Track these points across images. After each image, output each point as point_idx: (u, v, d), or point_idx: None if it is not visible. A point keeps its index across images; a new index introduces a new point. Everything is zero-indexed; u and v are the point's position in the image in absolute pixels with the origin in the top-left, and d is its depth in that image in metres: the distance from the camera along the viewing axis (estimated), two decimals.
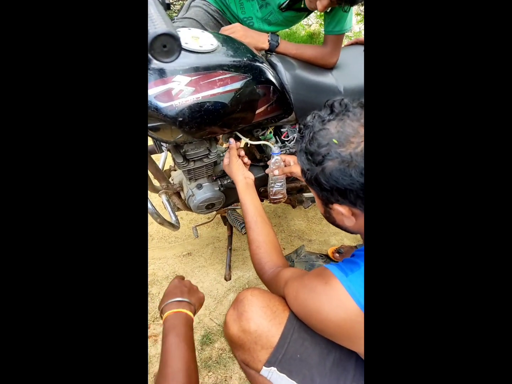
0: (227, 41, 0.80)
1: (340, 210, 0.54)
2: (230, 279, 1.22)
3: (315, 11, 0.95)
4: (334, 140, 0.50)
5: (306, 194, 1.29)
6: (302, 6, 1.00)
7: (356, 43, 1.15)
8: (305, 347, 0.59)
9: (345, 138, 0.49)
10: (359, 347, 0.54)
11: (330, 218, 0.62)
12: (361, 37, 1.15)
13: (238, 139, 0.98)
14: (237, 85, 0.75)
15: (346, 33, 0.99)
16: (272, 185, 0.95)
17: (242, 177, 0.86)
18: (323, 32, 1.00)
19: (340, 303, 0.51)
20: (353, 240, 1.47)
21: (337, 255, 1.37)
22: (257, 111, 0.84)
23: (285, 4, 0.97)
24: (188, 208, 1.05)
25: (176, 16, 1.14)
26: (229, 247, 1.24)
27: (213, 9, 1.12)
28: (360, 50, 1.11)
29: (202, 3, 1.11)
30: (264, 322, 0.59)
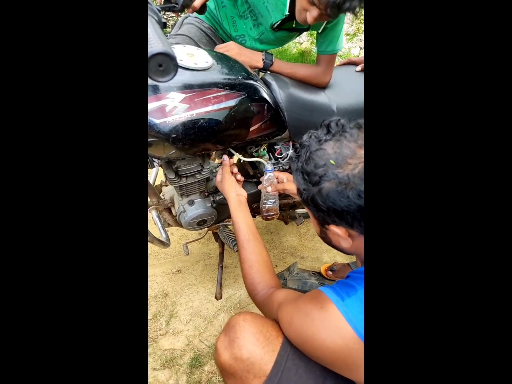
0: (222, 59, 0.80)
1: (337, 231, 0.53)
2: (221, 297, 1.19)
3: (306, 32, 0.97)
4: (331, 161, 0.49)
5: (298, 210, 1.29)
6: (294, 26, 1.02)
7: (348, 63, 1.17)
8: (299, 375, 0.57)
9: (342, 159, 0.49)
10: (357, 376, 0.52)
11: (326, 238, 0.61)
12: (350, 56, 1.17)
13: (231, 155, 0.97)
14: (232, 102, 0.75)
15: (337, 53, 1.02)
16: (265, 201, 0.94)
17: (235, 194, 0.85)
18: (315, 51, 1.03)
19: (337, 329, 0.49)
20: (346, 258, 1.46)
21: (330, 272, 1.36)
22: (251, 129, 0.84)
23: (277, 24, 0.98)
24: (179, 224, 1.03)
25: (169, 33, 1.15)
26: (221, 265, 1.22)
27: (206, 26, 1.13)
28: (351, 70, 1.13)
29: (195, 20, 1.12)
30: (257, 349, 0.57)
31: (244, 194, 0.87)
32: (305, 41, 3.75)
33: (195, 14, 1.10)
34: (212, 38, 1.16)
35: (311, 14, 0.82)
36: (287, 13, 0.91)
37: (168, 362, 0.98)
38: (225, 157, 0.91)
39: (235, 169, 0.91)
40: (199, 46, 1.07)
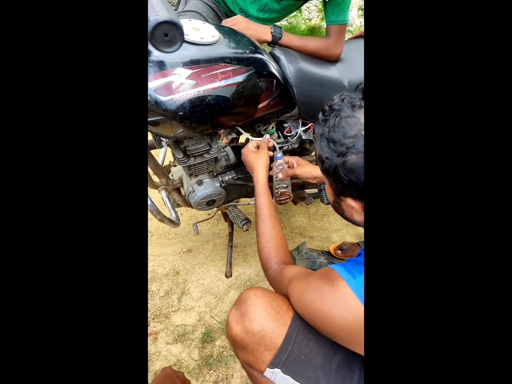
0: (229, 33, 0.78)
1: (353, 205, 0.52)
2: (231, 276, 1.21)
3: (315, 2, 0.91)
4: (363, 133, 0.46)
5: (308, 190, 1.28)
6: None
7: (359, 37, 1.13)
8: (310, 348, 0.58)
9: None
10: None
11: (338, 208, 0.60)
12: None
13: (239, 133, 0.96)
14: (240, 78, 0.73)
15: (348, 28, 0.97)
16: (277, 187, 0.94)
17: (265, 170, 0.84)
18: (325, 24, 0.98)
19: (348, 306, 0.49)
20: (355, 237, 1.45)
21: (339, 252, 1.36)
22: (260, 106, 0.82)
23: None
24: (188, 204, 1.03)
25: (175, 9, 1.11)
26: (230, 244, 1.23)
27: (211, 1, 1.10)
28: (363, 43, 1.08)
29: None
30: (268, 323, 0.58)
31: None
32: (314, 17, 3.60)
33: None
34: (217, 13, 1.12)
35: None
36: None
37: (180, 337, 1.02)
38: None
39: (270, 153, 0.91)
40: (208, 22, 1.04)
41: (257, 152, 0.87)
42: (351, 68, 0.97)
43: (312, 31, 3.52)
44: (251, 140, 0.91)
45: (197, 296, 1.13)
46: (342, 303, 0.50)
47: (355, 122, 0.47)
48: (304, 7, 3.40)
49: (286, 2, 0.99)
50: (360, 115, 0.47)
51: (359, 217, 0.55)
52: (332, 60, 0.98)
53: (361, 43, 1.08)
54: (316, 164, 1.07)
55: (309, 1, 1.01)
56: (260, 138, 0.94)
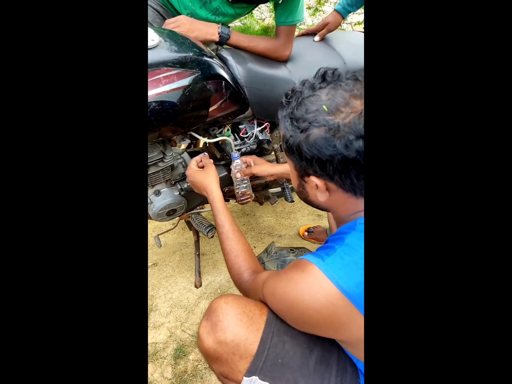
0: (170, 35, 0.75)
1: (316, 182, 0.53)
2: (200, 285, 1.17)
3: (268, 6, 0.90)
4: (324, 107, 0.48)
5: (271, 190, 1.28)
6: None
7: (305, 34, 1.13)
8: (286, 350, 0.57)
9: (335, 106, 0.48)
10: (343, 334, 0.52)
11: (303, 192, 0.61)
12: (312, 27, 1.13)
13: (193, 139, 0.93)
14: (185, 81, 0.70)
15: (299, 26, 0.97)
16: (238, 187, 0.94)
17: (218, 186, 0.82)
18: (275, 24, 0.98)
19: (320, 288, 0.49)
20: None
21: (306, 233, 1.40)
22: (211, 109, 0.80)
23: None
24: (148, 217, 0.99)
25: None
26: (197, 253, 1.19)
27: (157, 3, 1.05)
28: (310, 40, 1.10)
29: None
30: (241, 330, 0.56)
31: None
32: (267, 17, 3.63)
33: None
34: (165, 17, 1.07)
35: None
36: None
37: (151, 356, 0.96)
38: (205, 154, 0.89)
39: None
40: (152, 26, 0.99)
41: (203, 170, 0.85)
42: (300, 65, 0.98)
43: (266, 31, 3.55)
44: (190, 161, 0.88)
45: (166, 311, 1.08)
46: (314, 286, 0.49)
47: (316, 99, 0.49)
48: (255, 9, 3.42)
49: (237, 5, 0.97)
50: (321, 93, 0.50)
51: (323, 196, 0.56)
52: (281, 60, 0.98)
53: (307, 41, 1.09)
54: (274, 162, 1.08)
55: (261, 4, 0.99)
56: (217, 139, 0.92)
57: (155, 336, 1.02)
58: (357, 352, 0.58)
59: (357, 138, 0.46)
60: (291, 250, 1.32)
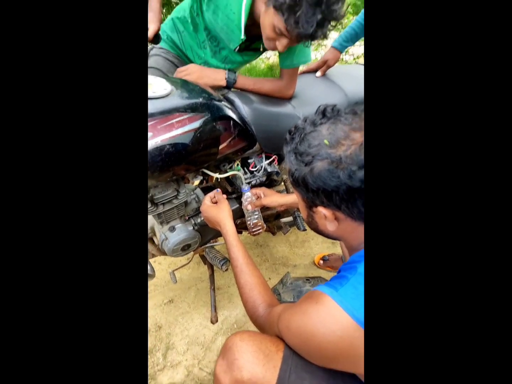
0: (181, 84, 0.81)
1: (324, 212, 0.54)
2: (217, 321, 1.16)
3: None
4: (325, 141, 0.50)
5: (283, 220, 1.28)
6: (261, 49, 1.02)
7: (306, 72, 1.20)
8: None
9: (336, 140, 0.50)
10: (362, 368, 0.50)
11: (312, 223, 0.62)
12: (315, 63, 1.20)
13: (205, 175, 0.97)
14: (196, 124, 0.75)
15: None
16: (249, 219, 0.96)
17: (231, 220, 0.85)
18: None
19: (334, 319, 0.48)
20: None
21: (321, 262, 1.37)
22: (221, 147, 0.84)
23: (238, 48, 0.98)
24: (163, 253, 1.01)
25: None
26: (212, 287, 1.19)
27: (172, 56, 1.14)
28: (312, 77, 1.16)
29: (161, 51, 1.13)
30: (258, 368, 0.55)
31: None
32: (272, 55, 3.84)
33: (159, 45, 1.11)
34: (179, 66, 1.16)
35: (281, 43, 0.82)
36: (243, 37, 0.91)
37: None
38: (218, 190, 0.93)
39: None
40: (166, 76, 1.07)
41: (216, 205, 0.88)
42: (304, 101, 1.03)
43: (271, 69, 3.74)
44: (204, 197, 0.92)
45: (183, 349, 1.07)
46: (329, 317, 0.49)
47: (317, 134, 0.52)
48: None
49: (245, 53, 1.04)
50: (321, 129, 0.52)
51: (332, 226, 0.57)
52: (285, 99, 1.03)
53: (309, 77, 1.16)
54: (284, 193, 1.10)
55: (266, 51, 1.07)
56: (227, 174, 0.95)
57: (173, 375, 1.00)
58: None
59: (359, 168, 0.48)
60: (307, 280, 1.29)
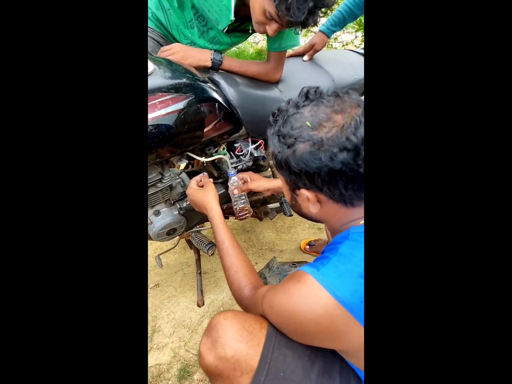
0: (164, 63, 0.79)
1: (307, 195, 0.55)
2: (203, 304, 1.17)
3: None
4: (307, 123, 0.51)
5: (270, 205, 1.29)
6: (250, 30, 1.00)
7: (293, 56, 1.19)
8: (287, 363, 0.57)
9: (318, 122, 0.50)
10: (343, 344, 0.53)
11: (296, 205, 0.63)
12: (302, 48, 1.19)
13: (191, 159, 0.96)
14: (180, 105, 0.74)
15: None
16: (236, 203, 0.96)
17: (217, 204, 0.84)
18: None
19: (316, 298, 0.49)
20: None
21: (307, 247, 1.39)
22: (206, 129, 0.83)
23: (227, 28, 0.96)
24: (148, 237, 1.00)
25: None
26: (198, 271, 1.20)
27: (157, 35, 1.10)
28: (299, 61, 1.15)
29: None
30: (241, 345, 0.56)
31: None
32: (261, 40, 3.77)
33: None
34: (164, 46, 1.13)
35: (272, 28, 0.81)
36: (232, 18, 0.89)
37: (155, 379, 0.95)
38: (205, 173, 0.92)
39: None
40: (152, 56, 1.04)
41: (202, 189, 0.88)
42: (290, 85, 1.02)
43: (260, 54, 3.68)
44: (190, 180, 0.91)
45: (169, 331, 1.08)
46: (310, 296, 0.50)
47: (300, 116, 0.52)
48: None
49: (233, 34, 1.01)
50: (304, 111, 0.52)
51: (315, 208, 0.58)
52: (272, 83, 1.02)
53: (296, 61, 1.14)
54: (271, 178, 1.10)
55: (255, 33, 1.04)
56: (213, 158, 0.95)
57: (159, 357, 1.01)
58: (359, 362, 0.58)
59: (340, 150, 0.48)
60: (292, 264, 1.31)
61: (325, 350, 0.58)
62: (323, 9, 0.76)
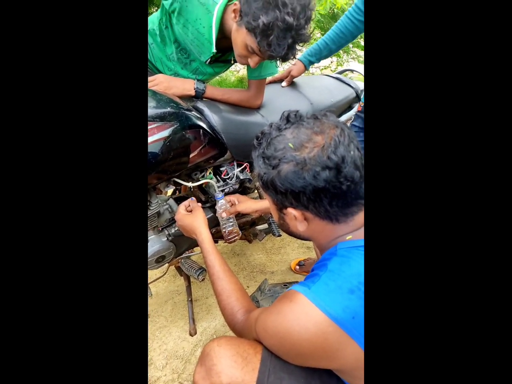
0: (148, 94, 0.82)
1: (294, 213, 0.56)
2: (195, 333, 1.14)
3: None
4: (290, 144, 0.53)
5: (259, 227, 1.30)
6: (232, 61, 1.04)
7: (272, 82, 1.25)
8: None
9: (300, 143, 0.53)
10: (337, 362, 0.52)
11: (284, 225, 0.64)
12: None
13: (178, 185, 0.97)
14: (165, 133, 0.76)
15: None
16: (224, 226, 0.96)
17: (206, 228, 0.84)
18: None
19: (308, 317, 0.49)
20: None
21: (297, 267, 1.39)
22: (191, 155, 0.85)
23: (209, 60, 1.00)
24: None
25: None
26: (189, 299, 1.17)
27: None
28: (278, 87, 1.21)
29: None
30: (236, 372, 0.55)
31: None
32: (241, 69, 3.93)
33: None
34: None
35: (253, 61, 0.86)
36: (214, 50, 0.93)
37: None
38: (193, 198, 0.93)
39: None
40: None
41: (191, 214, 0.88)
42: (272, 109, 1.07)
43: (241, 81, 3.82)
44: (179, 206, 0.92)
45: (161, 364, 1.04)
46: (303, 315, 0.50)
47: (282, 138, 0.55)
48: None
49: (215, 65, 1.06)
50: (286, 133, 0.55)
51: (302, 226, 0.59)
52: (254, 108, 1.06)
53: (275, 87, 1.20)
54: (258, 199, 1.12)
55: (236, 63, 1.09)
56: (200, 182, 0.96)
57: None
58: (355, 381, 0.57)
59: (323, 169, 0.51)
60: (284, 285, 1.31)
61: (321, 371, 0.57)
62: (300, 44, 0.81)
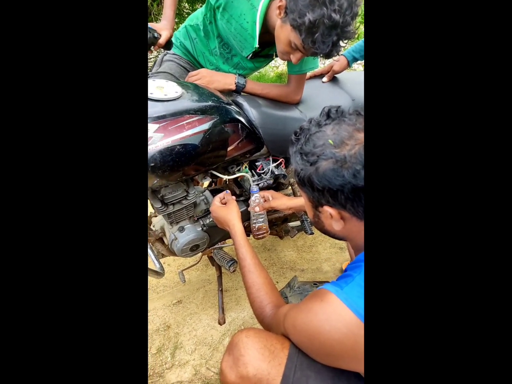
0: (191, 87, 0.84)
1: (330, 211, 0.55)
2: (224, 322, 1.17)
3: None
4: (330, 141, 0.52)
5: (291, 224, 1.29)
6: (274, 55, 1.04)
7: (312, 77, 1.22)
8: None
9: (340, 140, 0.51)
10: None
11: (318, 223, 0.63)
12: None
13: (214, 177, 1.00)
14: (205, 126, 0.78)
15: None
16: (255, 221, 0.97)
17: (240, 221, 0.86)
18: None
19: (339, 317, 0.49)
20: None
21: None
22: (229, 148, 0.87)
23: (251, 55, 1.01)
24: (172, 253, 1.03)
25: (150, 71, 1.20)
26: (220, 289, 1.20)
27: (185, 61, 1.18)
28: (318, 82, 1.18)
29: (173, 57, 1.17)
30: (263, 364, 0.55)
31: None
32: (281, 64, 3.90)
33: (173, 51, 1.16)
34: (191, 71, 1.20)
35: (296, 57, 0.85)
36: (256, 46, 0.94)
37: None
38: (228, 191, 0.95)
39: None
40: (180, 81, 1.11)
41: (225, 206, 0.90)
42: (310, 105, 1.05)
43: (280, 77, 3.80)
44: (214, 198, 0.94)
45: (190, 349, 1.08)
46: (334, 315, 0.49)
47: (322, 134, 0.53)
48: None
49: (256, 60, 1.07)
50: (326, 129, 0.54)
51: (338, 225, 0.57)
52: (293, 104, 1.05)
53: (315, 82, 1.18)
54: (291, 196, 1.11)
55: (276, 58, 1.09)
56: (236, 175, 0.98)
57: (181, 374, 1.01)
58: None
59: (363, 167, 0.49)
60: (314, 284, 1.29)
61: (350, 373, 0.56)
62: (345, 41, 0.79)
